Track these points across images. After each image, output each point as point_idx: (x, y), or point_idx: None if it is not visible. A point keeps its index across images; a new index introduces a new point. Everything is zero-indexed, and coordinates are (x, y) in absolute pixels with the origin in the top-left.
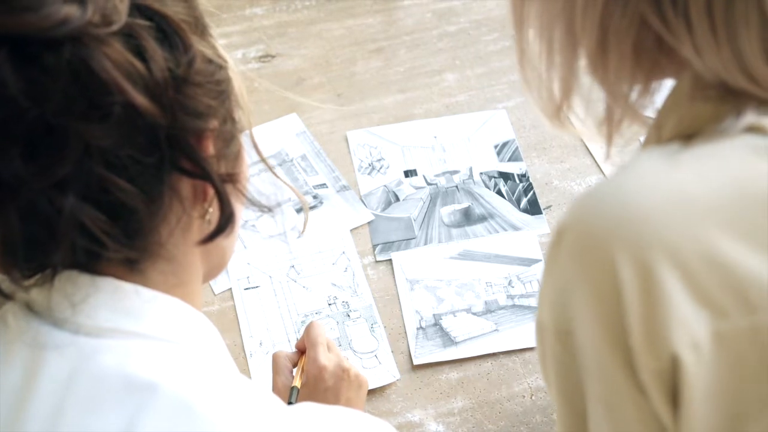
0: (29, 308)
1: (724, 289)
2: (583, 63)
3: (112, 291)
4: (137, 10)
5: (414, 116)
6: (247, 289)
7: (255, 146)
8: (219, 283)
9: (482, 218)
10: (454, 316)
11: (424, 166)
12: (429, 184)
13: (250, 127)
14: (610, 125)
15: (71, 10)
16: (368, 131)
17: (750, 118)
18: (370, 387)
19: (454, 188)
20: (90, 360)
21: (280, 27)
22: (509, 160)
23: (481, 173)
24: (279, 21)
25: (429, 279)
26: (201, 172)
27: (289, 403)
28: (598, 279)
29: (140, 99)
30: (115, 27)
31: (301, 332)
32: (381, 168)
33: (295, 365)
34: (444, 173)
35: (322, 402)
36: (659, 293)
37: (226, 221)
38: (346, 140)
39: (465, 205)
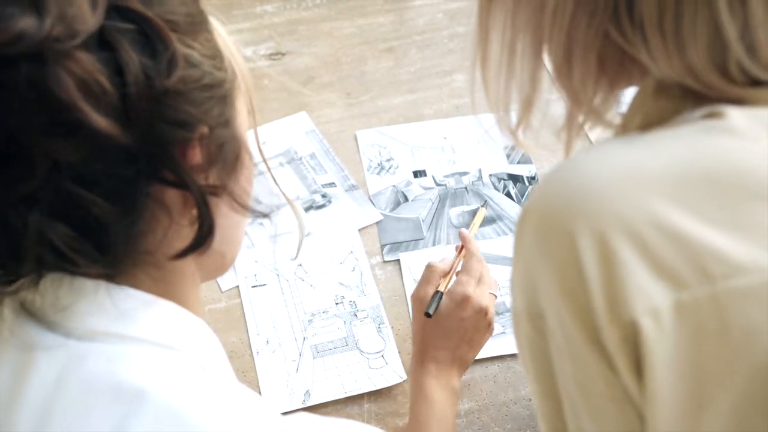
0: (23, 308)
1: (681, 260)
2: (544, 74)
3: (103, 294)
4: (117, 12)
5: (424, 116)
6: (254, 286)
7: (258, 147)
8: (226, 280)
9: (491, 220)
10: None
11: (434, 166)
12: (438, 184)
13: (255, 126)
14: (570, 131)
15: (27, 24)
16: (378, 131)
17: (709, 108)
18: (376, 387)
19: (463, 189)
20: (79, 364)
21: (291, 25)
22: (519, 162)
23: (490, 175)
24: (289, 19)
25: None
26: (182, 184)
27: (427, 312)
28: (559, 254)
29: (100, 121)
30: (78, 40)
31: (308, 331)
32: (390, 168)
33: (444, 277)
34: (453, 174)
35: (449, 329)
36: (616, 263)
37: (204, 236)
38: (356, 139)
39: (474, 206)
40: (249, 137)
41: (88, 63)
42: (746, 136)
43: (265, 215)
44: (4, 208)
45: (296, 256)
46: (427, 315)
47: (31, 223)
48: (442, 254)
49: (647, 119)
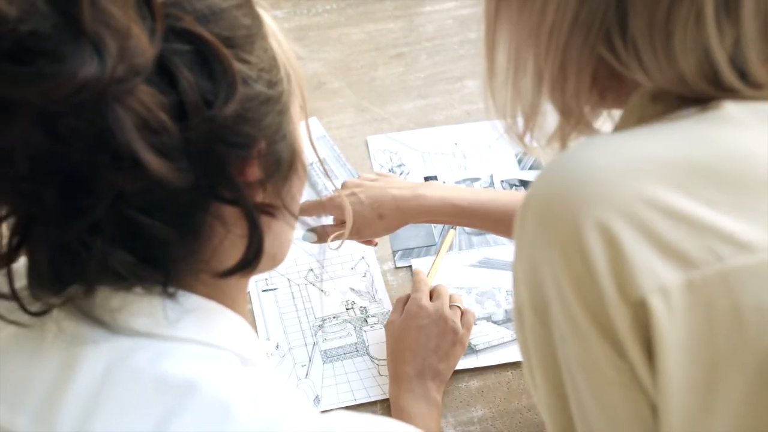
0: (72, 305)
1: (688, 240)
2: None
3: (157, 299)
4: (173, 34)
5: (435, 122)
6: (265, 290)
7: (312, 145)
8: None
9: None
10: (475, 324)
11: (445, 172)
12: None
13: (307, 120)
14: (561, 140)
15: (89, 72)
16: (388, 137)
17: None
18: (386, 396)
19: None
20: (126, 358)
21: (301, 30)
22: (530, 168)
23: (501, 181)
24: (299, 24)
25: (449, 286)
26: (239, 202)
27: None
28: (563, 240)
29: (152, 159)
30: (140, 78)
31: (318, 336)
32: (401, 174)
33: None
34: (464, 180)
35: (411, 342)
36: (620, 245)
37: (253, 254)
38: (367, 145)
39: None
40: (303, 138)
41: (148, 97)
42: (742, 124)
43: (312, 227)
44: (69, 237)
45: (339, 246)
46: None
47: (95, 250)
48: (454, 261)
49: (643, 120)
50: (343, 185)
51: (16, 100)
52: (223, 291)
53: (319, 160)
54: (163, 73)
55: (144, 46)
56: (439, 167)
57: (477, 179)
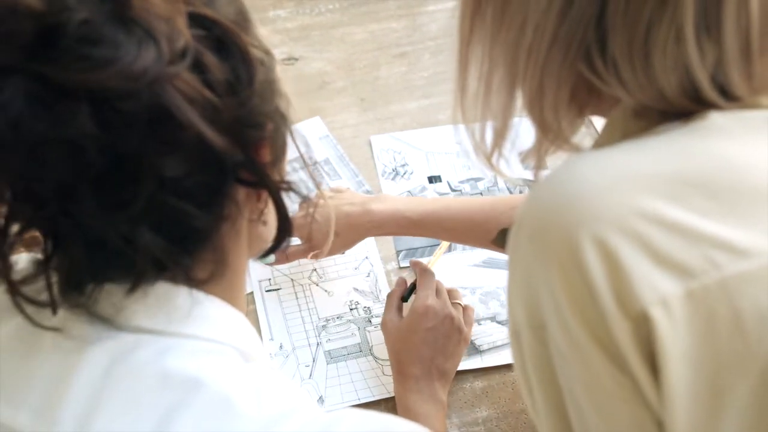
0: (77, 304)
1: (685, 250)
2: (515, 107)
3: (160, 295)
4: (191, 20)
5: (438, 122)
6: (268, 291)
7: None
8: None
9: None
10: (479, 324)
11: (449, 172)
12: (453, 190)
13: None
14: (538, 156)
15: (148, 59)
16: (392, 136)
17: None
18: (390, 395)
19: (479, 195)
20: (129, 354)
21: (304, 30)
22: None
23: (508, 180)
24: (302, 24)
25: (453, 286)
26: (261, 183)
27: (404, 298)
28: (559, 259)
29: (213, 135)
30: (187, 61)
31: (322, 336)
32: (405, 173)
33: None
34: (468, 180)
35: (419, 343)
36: (618, 260)
37: (285, 226)
38: (370, 145)
39: None
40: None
41: (191, 80)
42: (729, 133)
43: (306, 197)
44: (110, 231)
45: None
46: (404, 300)
47: (140, 241)
48: (458, 261)
49: (628, 136)
50: (301, 206)
51: (76, 89)
52: (223, 287)
53: (304, 159)
54: (193, 61)
55: (183, 29)
56: (442, 167)
57: (480, 179)
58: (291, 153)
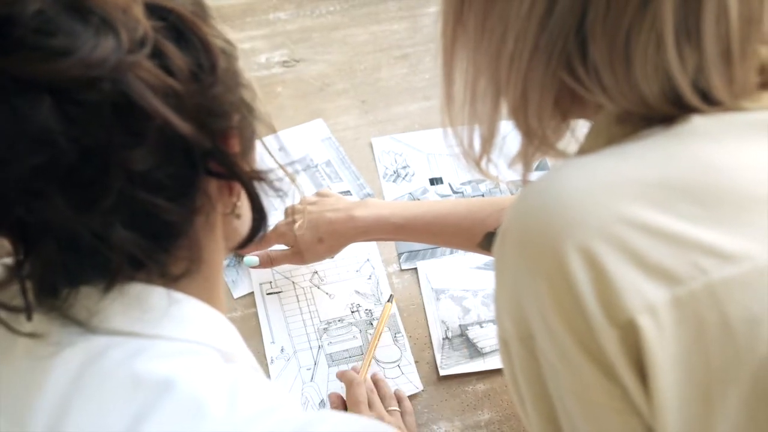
0: (51, 309)
1: (670, 256)
2: (501, 113)
3: (134, 296)
4: (148, 9)
5: (440, 124)
6: (269, 293)
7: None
8: (239, 288)
9: None
10: (481, 326)
11: (450, 174)
12: (455, 192)
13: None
14: (524, 161)
15: (107, 47)
16: (393, 138)
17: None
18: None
19: (481, 197)
20: (100, 356)
21: (304, 32)
22: (536, 169)
23: (507, 182)
24: (303, 26)
25: (455, 289)
26: (231, 174)
27: None
28: (545, 268)
29: (178, 121)
30: (147, 49)
31: (323, 339)
32: (406, 175)
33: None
34: (470, 182)
35: None
36: (603, 268)
37: (260, 216)
38: (371, 147)
39: None
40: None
41: (152, 68)
42: (711, 137)
43: (279, 189)
44: (83, 230)
45: (302, 227)
46: None
47: (113, 238)
48: (460, 263)
49: (612, 141)
50: (286, 212)
51: (36, 81)
52: (199, 283)
53: (277, 162)
54: (153, 51)
55: (141, 18)
56: (444, 169)
57: (482, 180)
58: (285, 158)
